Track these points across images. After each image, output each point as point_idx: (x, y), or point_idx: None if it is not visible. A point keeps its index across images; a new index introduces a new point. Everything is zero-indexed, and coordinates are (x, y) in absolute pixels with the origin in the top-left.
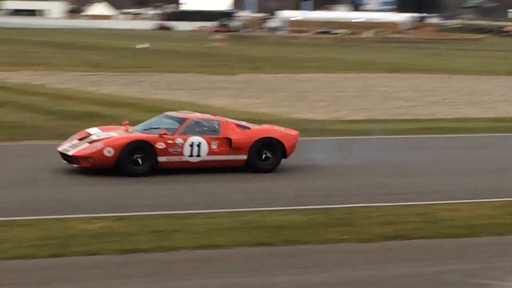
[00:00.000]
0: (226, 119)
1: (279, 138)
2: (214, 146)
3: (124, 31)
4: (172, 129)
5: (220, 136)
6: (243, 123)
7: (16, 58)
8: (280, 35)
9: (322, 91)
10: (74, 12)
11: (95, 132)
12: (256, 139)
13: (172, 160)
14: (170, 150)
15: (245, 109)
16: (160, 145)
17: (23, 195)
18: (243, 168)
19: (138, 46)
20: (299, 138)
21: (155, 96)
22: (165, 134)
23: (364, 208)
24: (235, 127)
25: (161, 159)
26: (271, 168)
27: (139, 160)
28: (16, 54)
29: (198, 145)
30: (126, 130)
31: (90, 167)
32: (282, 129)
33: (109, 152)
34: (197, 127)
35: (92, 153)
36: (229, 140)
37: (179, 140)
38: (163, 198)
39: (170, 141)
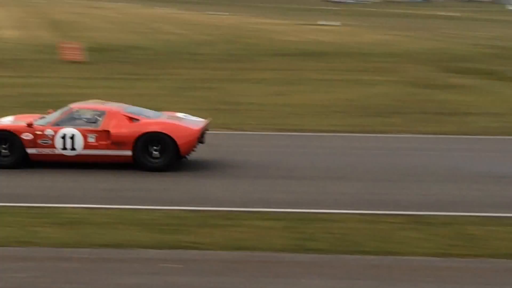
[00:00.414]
0: (118, 109)
1: (169, 133)
2: (91, 139)
3: None
4: (46, 120)
5: (99, 128)
6: (141, 112)
7: None
8: None
9: None
10: None
11: None
12: (140, 133)
13: (44, 153)
14: (39, 141)
15: None
16: (26, 136)
17: None
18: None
19: None
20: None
21: None
22: (31, 124)
23: None
24: (124, 119)
25: (30, 151)
26: (162, 166)
27: (3, 151)
28: None
29: (72, 138)
30: (29, 121)
31: None
32: (180, 121)
33: None
34: (76, 118)
35: None
36: (109, 133)
37: (48, 131)
38: None
39: (38, 132)
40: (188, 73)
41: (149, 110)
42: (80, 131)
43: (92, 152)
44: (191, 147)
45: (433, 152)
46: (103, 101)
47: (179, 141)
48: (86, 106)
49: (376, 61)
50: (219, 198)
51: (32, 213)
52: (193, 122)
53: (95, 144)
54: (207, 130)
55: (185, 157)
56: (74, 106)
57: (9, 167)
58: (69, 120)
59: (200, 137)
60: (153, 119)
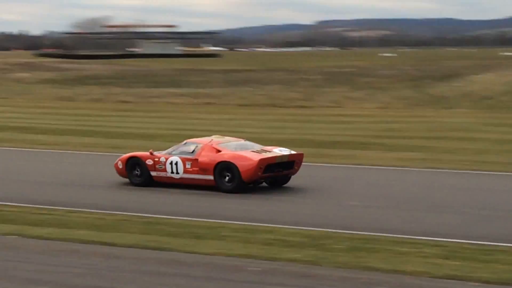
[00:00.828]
0: (213, 142)
1: (233, 162)
2: (188, 166)
3: None
4: (166, 150)
5: (193, 157)
6: (228, 146)
7: None
8: None
9: None
10: None
11: None
12: (217, 162)
13: (160, 175)
14: (156, 166)
15: None
16: (149, 162)
17: None
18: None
19: None
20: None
21: None
22: (152, 152)
23: None
24: (212, 150)
25: (153, 173)
26: (232, 190)
27: (137, 172)
28: None
29: (176, 164)
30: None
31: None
32: (248, 152)
33: (119, 164)
34: (183, 149)
35: (114, 164)
36: (198, 161)
37: (162, 159)
38: None
39: (156, 159)
40: None
41: (242, 144)
42: (181, 159)
43: (189, 176)
44: (253, 175)
45: None
46: (222, 136)
47: (241, 169)
48: (194, 140)
49: None
50: None
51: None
52: (262, 153)
53: (190, 170)
54: (285, 161)
55: (250, 184)
56: (188, 140)
57: (141, 186)
58: (178, 150)
59: (268, 168)
60: (231, 151)
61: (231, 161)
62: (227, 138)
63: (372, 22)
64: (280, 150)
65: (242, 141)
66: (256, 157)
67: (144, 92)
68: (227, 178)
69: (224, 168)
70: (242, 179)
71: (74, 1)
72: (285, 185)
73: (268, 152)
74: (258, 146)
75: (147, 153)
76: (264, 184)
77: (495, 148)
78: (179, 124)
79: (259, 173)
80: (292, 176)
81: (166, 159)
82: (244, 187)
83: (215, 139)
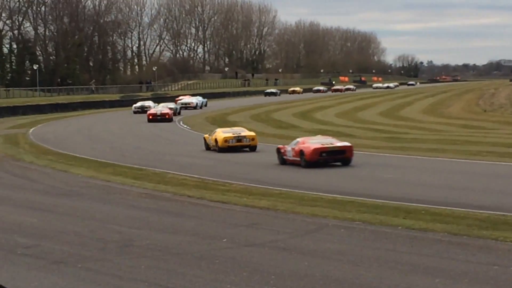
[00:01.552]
0: (306, 139)
1: (303, 149)
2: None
3: None
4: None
5: (293, 147)
6: (308, 140)
7: None
8: None
9: None
10: None
11: None
12: (300, 149)
13: (288, 159)
14: (286, 153)
15: None
16: (283, 150)
17: None
18: None
19: None
20: None
21: None
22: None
23: None
24: (300, 143)
25: (286, 157)
26: (304, 166)
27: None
28: None
29: (289, 151)
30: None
31: None
32: (313, 144)
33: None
34: (294, 143)
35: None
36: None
37: (288, 149)
38: None
39: (284, 150)
40: None
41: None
42: (292, 149)
43: (294, 158)
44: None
45: None
46: (325, 136)
47: (305, 154)
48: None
49: None
50: None
51: None
52: (321, 142)
53: (294, 155)
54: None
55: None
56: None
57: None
58: (293, 144)
59: (322, 154)
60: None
61: (302, 149)
62: (317, 136)
63: None
64: (335, 142)
65: (324, 138)
66: (314, 146)
67: None
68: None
69: (300, 153)
70: (306, 160)
71: None
72: None
73: (327, 144)
74: (330, 140)
75: (283, 146)
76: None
77: None
78: None
79: (316, 157)
80: None
81: (292, 149)
82: (309, 165)
83: (305, 138)
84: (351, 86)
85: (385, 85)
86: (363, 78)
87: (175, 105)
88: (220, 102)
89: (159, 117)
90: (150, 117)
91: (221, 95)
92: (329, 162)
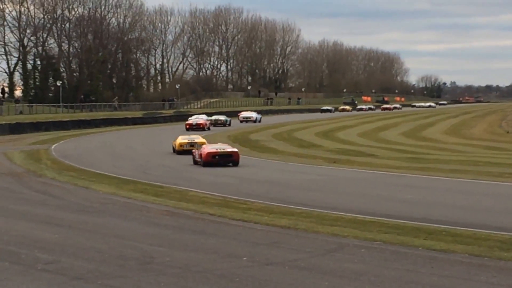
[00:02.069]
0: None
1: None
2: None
3: None
4: None
5: None
6: None
7: None
8: None
9: None
10: None
11: None
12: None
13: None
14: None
15: None
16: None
17: None
18: None
19: None
20: None
21: None
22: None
23: None
24: None
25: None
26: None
27: None
28: None
29: None
30: None
31: None
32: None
33: None
34: None
35: None
36: None
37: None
38: None
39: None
40: None
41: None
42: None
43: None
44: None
45: None
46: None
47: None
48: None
49: None
50: None
51: None
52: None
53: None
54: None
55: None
56: None
57: None
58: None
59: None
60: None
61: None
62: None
63: None
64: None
65: (221, 145)
66: (209, 150)
67: None
68: None
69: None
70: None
71: None
72: None
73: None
74: (223, 146)
75: None
76: None
77: None
78: None
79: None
80: None
81: None
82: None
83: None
84: (398, 105)
85: (427, 104)
86: (386, 98)
87: (225, 117)
88: None
89: (194, 127)
90: (187, 126)
91: None
92: (221, 163)
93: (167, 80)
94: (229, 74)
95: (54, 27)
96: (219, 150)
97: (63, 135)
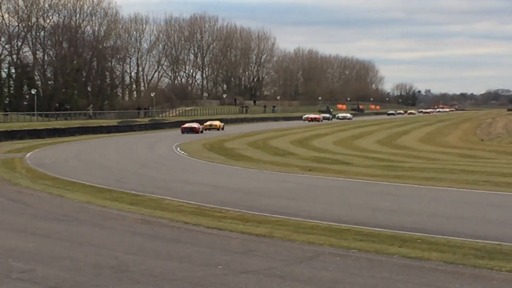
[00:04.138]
0: None
1: None
2: None
3: None
4: None
5: None
6: None
7: None
8: None
9: None
10: None
11: None
12: None
13: None
14: None
15: None
16: None
17: None
18: None
19: None
20: None
21: None
22: None
23: None
24: None
25: None
26: None
27: None
28: None
29: None
30: None
31: None
32: None
33: None
34: None
35: None
36: None
37: None
38: None
39: None
40: None
41: None
42: None
43: None
44: None
45: None
46: None
47: None
48: None
49: None
50: None
51: None
52: None
53: None
54: None
55: None
56: None
57: None
58: None
59: None
60: None
61: None
62: None
63: None
64: None
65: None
66: None
67: None
68: None
69: None
70: None
71: None
72: None
73: None
74: None
75: None
76: None
77: None
78: None
79: None
80: None
81: None
82: None
83: None
84: (401, 111)
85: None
86: (361, 106)
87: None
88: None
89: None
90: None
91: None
92: None
93: (142, 88)
94: (205, 82)
95: (28, 35)
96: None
97: (38, 144)
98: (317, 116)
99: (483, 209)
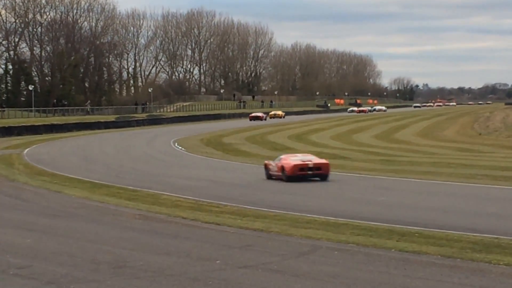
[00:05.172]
0: (287, 156)
1: (283, 165)
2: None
3: None
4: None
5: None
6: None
7: None
8: None
9: None
10: None
11: None
12: (281, 165)
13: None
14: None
15: None
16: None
17: None
18: None
19: None
20: None
21: None
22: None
23: None
24: (282, 160)
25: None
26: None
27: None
28: None
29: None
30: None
31: None
32: (292, 161)
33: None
34: (277, 160)
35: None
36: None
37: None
38: None
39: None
40: None
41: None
42: (276, 164)
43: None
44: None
45: None
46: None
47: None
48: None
49: None
50: None
51: None
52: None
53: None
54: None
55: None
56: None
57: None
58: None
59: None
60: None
61: (283, 165)
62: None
63: None
64: (312, 159)
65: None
66: (294, 162)
67: None
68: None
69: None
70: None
71: None
72: None
73: (305, 161)
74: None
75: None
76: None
77: None
78: None
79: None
80: None
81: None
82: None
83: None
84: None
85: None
86: (358, 101)
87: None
88: (215, 124)
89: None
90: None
91: (216, 116)
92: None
93: (140, 84)
94: (202, 77)
95: (26, 31)
96: (306, 162)
97: (36, 140)
98: (259, 114)
99: (480, 203)
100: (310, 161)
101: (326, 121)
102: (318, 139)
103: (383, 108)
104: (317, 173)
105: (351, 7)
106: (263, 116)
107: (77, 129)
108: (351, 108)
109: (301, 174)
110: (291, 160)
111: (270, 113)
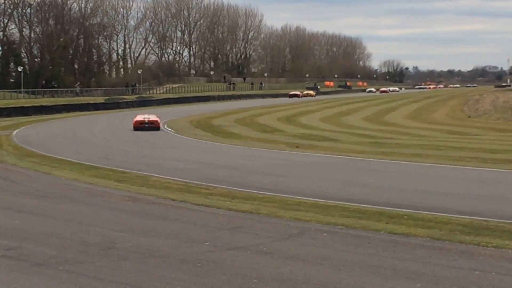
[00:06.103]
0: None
1: None
2: None
3: None
4: None
5: None
6: None
7: None
8: None
9: None
10: None
11: None
12: None
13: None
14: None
15: None
16: None
17: None
18: None
19: None
20: None
21: None
22: None
23: None
24: None
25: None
26: None
27: None
28: None
29: None
30: None
31: None
32: None
33: None
34: None
35: None
36: None
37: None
38: None
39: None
40: None
41: None
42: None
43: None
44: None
45: None
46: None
47: None
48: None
49: None
50: None
51: None
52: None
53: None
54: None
55: None
56: None
57: None
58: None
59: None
60: None
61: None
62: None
63: None
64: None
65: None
66: (137, 119)
67: None
68: None
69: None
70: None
71: None
72: None
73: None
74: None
75: None
76: None
77: None
78: None
79: (138, 125)
80: None
81: None
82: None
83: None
84: (396, 88)
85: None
86: (348, 83)
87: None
88: (205, 105)
89: (293, 95)
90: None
91: (206, 98)
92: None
93: (129, 65)
94: (192, 59)
95: (15, 12)
96: (144, 119)
97: (25, 121)
98: (297, 92)
99: (469, 185)
100: (148, 118)
101: (315, 103)
102: (308, 121)
103: (396, 89)
104: (151, 126)
105: None
106: (300, 94)
107: (66, 111)
108: (369, 89)
109: (141, 126)
110: (137, 118)
111: (304, 92)
